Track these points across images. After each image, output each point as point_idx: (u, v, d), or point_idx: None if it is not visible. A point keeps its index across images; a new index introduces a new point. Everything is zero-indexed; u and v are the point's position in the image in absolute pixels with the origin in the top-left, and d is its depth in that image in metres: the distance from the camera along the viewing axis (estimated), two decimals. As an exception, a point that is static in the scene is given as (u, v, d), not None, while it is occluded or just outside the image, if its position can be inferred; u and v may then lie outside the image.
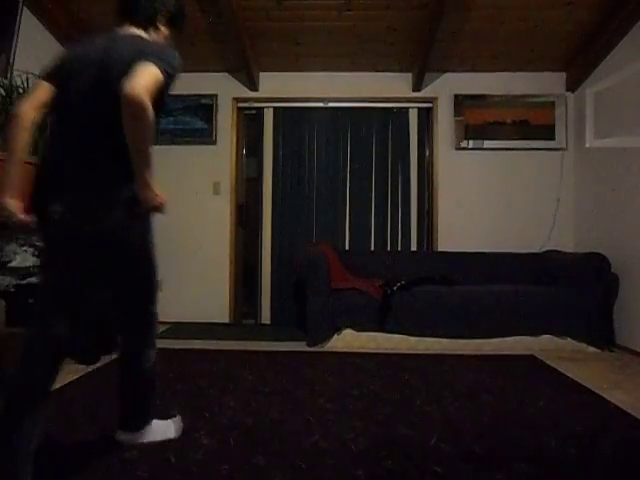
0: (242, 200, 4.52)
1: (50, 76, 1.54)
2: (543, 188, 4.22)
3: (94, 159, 1.44)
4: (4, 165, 1.43)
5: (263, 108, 4.40)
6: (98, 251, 1.50)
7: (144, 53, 1.39)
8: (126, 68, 1.34)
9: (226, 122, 4.35)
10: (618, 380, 2.65)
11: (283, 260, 4.26)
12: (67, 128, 1.48)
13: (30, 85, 2.93)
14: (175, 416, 1.90)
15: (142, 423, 1.74)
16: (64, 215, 1.41)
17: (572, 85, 4.16)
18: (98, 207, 1.44)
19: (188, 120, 4.34)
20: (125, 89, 1.27)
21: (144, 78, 1.31)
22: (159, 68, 1.36)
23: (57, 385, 2.39)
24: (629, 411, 2.13)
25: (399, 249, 4.28)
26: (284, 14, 3.57)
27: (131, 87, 1.27)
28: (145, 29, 1.57)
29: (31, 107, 1.47)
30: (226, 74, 4.35)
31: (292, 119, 4.37)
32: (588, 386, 2.49)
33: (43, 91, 1.51)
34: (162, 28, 1.62)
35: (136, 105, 1.27)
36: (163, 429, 1.79)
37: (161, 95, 1.39)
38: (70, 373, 2.62)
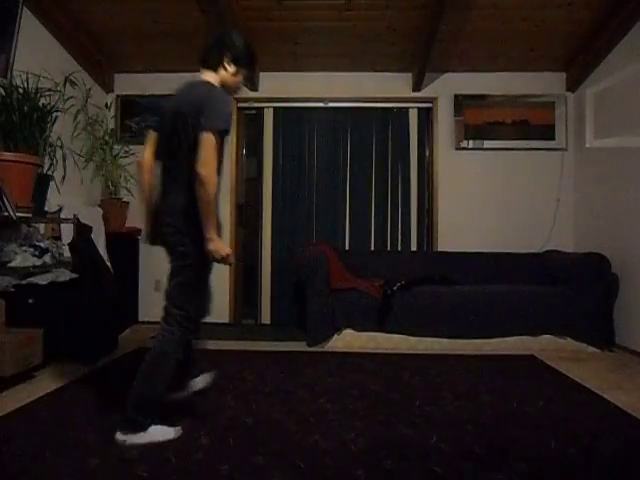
0: (242, 200, 4.52)
1: (155, 127, 2.01)
2: (543, 188, 4.22)
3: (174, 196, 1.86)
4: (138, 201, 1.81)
5: (263, 108, 4.40)
6: None
7: (203, 113, 1.74)
8: (190, 120, 1.77)
9: (226, 122, 4.34)
10: (618, 380, 2.65)
11: (283, 260, 4.26)
12: (161, 170, 1.93)
13: (30, 85, 2.94)
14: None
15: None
16: None
17: (572, 85, 4.17)
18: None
19: (188, 120, 4.33)
20: (197, 169, 1.68)
21: (206, 152, 1.70)
22: (214, 132, 1.72)
23: (57, 385, 2.41)
24: (629, 411, 2.13)
25: (399, 249, 4.28)
26: (284, 14, 3.57)
27: (200, 165, 1.68)
28: (215, 71, 1.96)
29: (148, 155, 1.98)
30: (226, 74, 4.35)
31: (292, 119, 4.37)
32: (588, 386, 2.50)
33: (153, 140, 1.99)
34: (229, 68, 1.97)
35: (203, 179, 1.68)
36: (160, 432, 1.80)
37: (221, 141, 1.77)
38: (70, 373, 2.63)
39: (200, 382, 2.22)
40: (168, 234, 1.85)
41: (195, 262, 1.83)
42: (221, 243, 1.78)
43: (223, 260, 1.78)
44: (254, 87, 4.30)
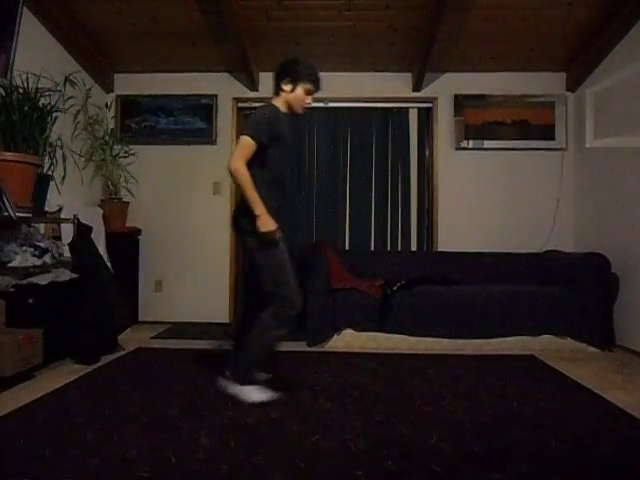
0: (242, 200, 4.52)
1: None
2: (543, 188, 4.22)
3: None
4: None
5: (263, 108, 4.39)
6: None
7: (245, 124, 2.24)
8: None
9: (226, 122, 4.35)
10: (618, 380, 2.65)
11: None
12: None
13: (30, 85, 2.94)
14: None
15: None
16: None
17: (572, 85, 4.17)
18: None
19: (188, 120, 4.34)
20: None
21: (236, 150, 2.13)
22: (247, 135, 2.12)
23: (57, 385, 2.41)
24: (629, 411, 2.13)
25: (399, 249, 4.28)
26: (284, 14, 3.57)
27: (230, 160, 2.11)
28: (277, 95, 2.32)
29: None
30: (226, 74, 4.35)
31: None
32: (588, 386, 2.49)
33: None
34: (285, 88, 2.27)
35: (230, 170, 2.11)
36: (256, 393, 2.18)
37: (261, 147, 2.14)
38: (70, 373, 2.63)
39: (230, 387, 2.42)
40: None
41: (257, 245, 2.16)
42: (267, 220, 2.08)
43: (268, 236, 2.09)
44: (254, 87, 4.30)
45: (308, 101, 2.32)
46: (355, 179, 4.33)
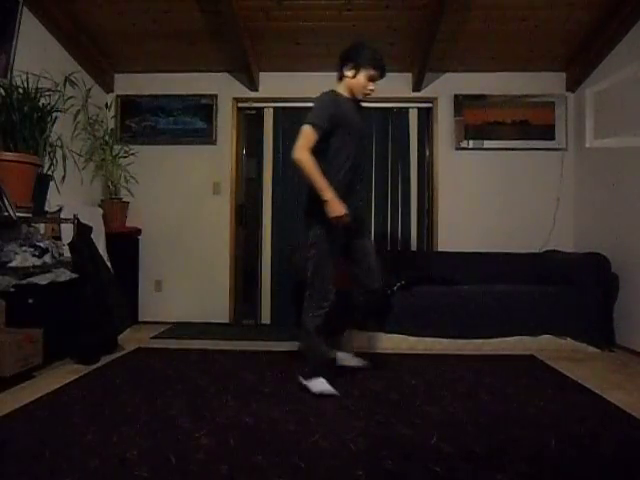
0: (242, 200, 4.52)
1: None
2: (543, 188, 4.22)
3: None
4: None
5: (263, 108, 4.40)
6: None
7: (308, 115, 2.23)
8: None
9: (226, 122, 4.35)
10: (618, 380, 2.65)
11: (283, 260, 4.25)
12: None
13: (30, 85, 2.94)
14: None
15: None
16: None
17: (572, 85, 4.16)
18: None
19: (188, 120, 4.34)
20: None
21: (298, 140, 2.15)
22: (308, 124, 2.16)
23: (57, 385, 2.41)
24: (629, 411, 2.12)
25: (399, 249, 4.28)
26: (284, 14, 3.57)
27: (294, 150, 2.15)
28: (340, 80, 2.34)
29: None
30: (226, 74, 4.35)
31: (292, 119, 4.36)
32: (588, 386, 2.49)
33: None
34: (348, 73, 2.27)
35: (294, 160, 2.15)
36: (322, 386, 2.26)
37: (324, 134, 2.16)
38: (70, 373, 2.63)
39: (350, 360, 2.62)
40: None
41: (315, 234, 2.22)
42: (336, 204, 2.10)
43: (338, 220, 2.11)
44: (254, 87, 4.30)
45: (371, 87, 2.27)
46: (355, 179, 4.33)
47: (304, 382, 2.32)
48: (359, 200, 2.39)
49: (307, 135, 2.13)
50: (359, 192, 2.39)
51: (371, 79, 2.24)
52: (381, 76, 2.28)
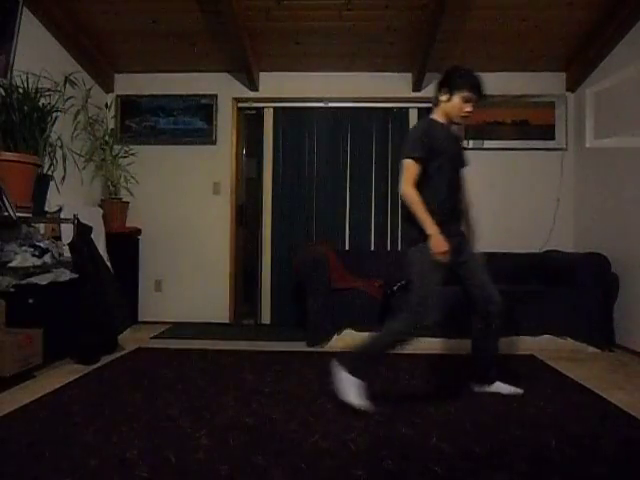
0: (242, 200, 4.52)
1: None
2: (543, 188, 4.22)
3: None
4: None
5: (263, 108, 4.40)
6: None
7: (403, 147, 2.24)
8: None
9: (226, 122, 4.35)
10: (618, 380, 2.65)
11: (283, 260, 4.25)
12: None
13: (30, 85, 2.94)
14: None
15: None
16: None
17: (572, 85, 4.16)
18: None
19: (188, 120, 4.34)
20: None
21: (404, 176, 2.17)
22: (408, 158, 2.16)
23: (57, 385, 2.41)
24: (629, 411, 2.12)
25: (399, 249, 4.28)
26: (284, 14, 3.57)
27: (401, 184, 2.19)
28: (436, 106, 2.31)
29: None
30: (226, 74, 4.35)
31: (292, 119, 4.37)
32: (588, 386, 2.49)
33: None
34: (442, 97, 2.25)
35: (401, 194, 2.18)
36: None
37: (423, 164, 2.15)
38: (70, 373, 2.63)
39: (504, 389, 2.39)
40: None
41: (416, 256, 2.21)
42: (439, 241, 2.08)
43: (439, 257, 2.10)
44: (254, 87, 4.30)
45: (468, 109, 2.23)
46: (355, 179, 4.33)
47: (341, 372, 2.15)
48: (460, 226, 2.43)
49: (409, 168, 2.15)
50: (460, 217, 2.43)
51: (466, 101, 2.21)
52: (479, 97, 2.24)
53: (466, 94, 2.20)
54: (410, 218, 2.18)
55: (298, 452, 1.68)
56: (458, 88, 2.20)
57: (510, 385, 2.38)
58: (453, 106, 2.23)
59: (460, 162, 2.43)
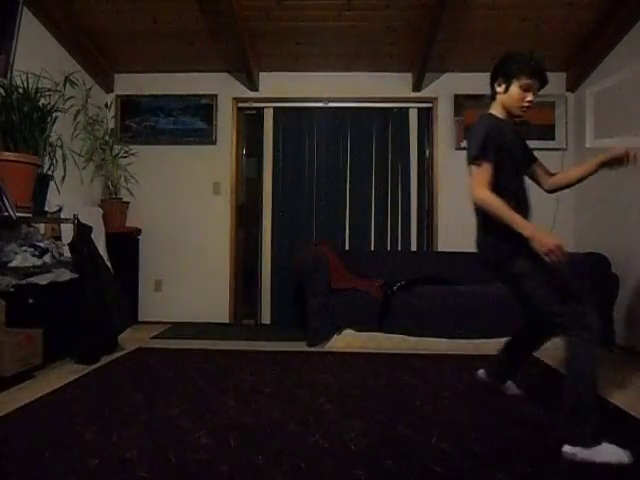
0: (242, 200, 4.52)
1: None
2: (543, 188, 4.21)
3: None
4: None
5: (263, 108, 4.40)
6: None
7: (468, 148, 1.96)
8: None
9: (226, 122, 4.35)
10: (618, 380, 2.65)
11: (283, 260, 4.26)
12: None
13: (30, 85, 2.94)
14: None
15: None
16: None
17: (572, 85, 4.16)
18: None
19: (188, 120, 4.34)
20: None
21: (473, 179, 1.89)
22: (474, 163, 1.88)
23: (57, 385, 2.41)
24: (629, 411, 2.12)
25: (399, 249, 4.28)
26: (284, 14, 3.57)
27: (472, 190, 1.89)
28: (493, 99, 2.06)
29: None
30: (226, 74, 4.35)
31: (292, 119, 4.37)
32: (588, 386, 2.49)
33: None
34: (499, 89, 2.00)
35: (475, 199, 1.90)
36: (613, 452, 1.64)
37: (495, 164, 1.87)
38: (70, 373, 2.63)
39: (512, 389, 2.34)
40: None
41: (526, 267, 1.88)
42: (543, 236, 1.71)
43: (553, 253, 1.68)
44: (254, 87, 4.30)
45: (528, 98, 1.95)
46: (355, 179, 4.33)
47: (582, 453, 1.63)
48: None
49: (480, 170, 1.86)
50: (528, 218, 2.04)
51: (526, 88, 1.93)
52: (541, 84, 1.97)
53: (524, 81, 1.92)
54: (491, 229, 1.90)
55: (298, 452, 1.68)
56: (515, 75, 1.93)
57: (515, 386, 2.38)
58: (510, 97, 1.96)
59: (527, 159, 2.20)
